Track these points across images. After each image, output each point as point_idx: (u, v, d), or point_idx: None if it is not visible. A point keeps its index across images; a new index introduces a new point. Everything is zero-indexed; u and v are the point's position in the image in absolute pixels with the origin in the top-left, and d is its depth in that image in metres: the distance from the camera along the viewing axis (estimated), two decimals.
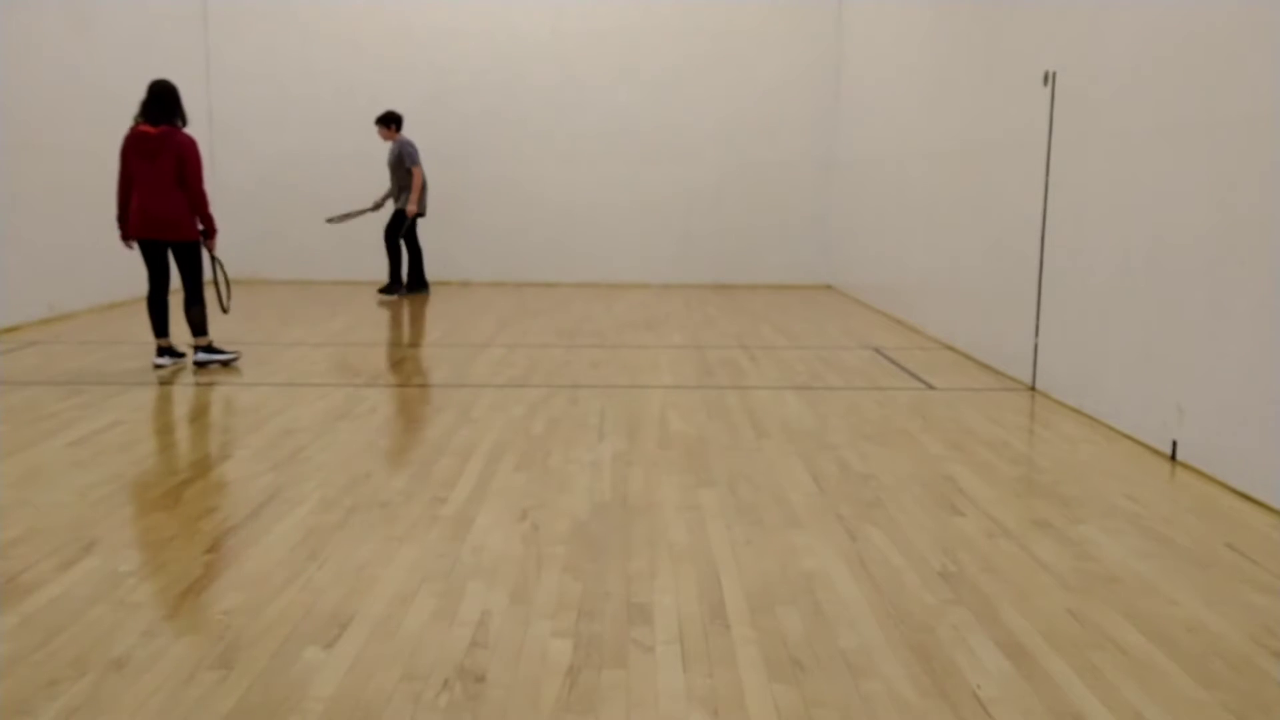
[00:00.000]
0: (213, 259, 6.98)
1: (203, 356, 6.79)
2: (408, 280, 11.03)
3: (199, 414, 5.63)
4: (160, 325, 6.81)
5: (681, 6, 12.08)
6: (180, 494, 4.18)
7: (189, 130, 6.75)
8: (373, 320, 9.39)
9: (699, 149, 12.24)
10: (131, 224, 6.65)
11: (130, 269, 6.91)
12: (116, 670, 2.68)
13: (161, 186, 6.54)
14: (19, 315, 8.44)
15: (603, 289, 11.90)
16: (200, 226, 6.74)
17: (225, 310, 7.16)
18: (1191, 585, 3.33)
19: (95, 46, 9.53)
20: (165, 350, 6.83)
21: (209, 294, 6.89)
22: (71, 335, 8.10)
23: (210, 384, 6.35)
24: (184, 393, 6.16)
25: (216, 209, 11.76)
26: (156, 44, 10.63)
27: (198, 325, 6.80)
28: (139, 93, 6.65)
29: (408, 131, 11.08)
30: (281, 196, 12.14)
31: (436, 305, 10.38)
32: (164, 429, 5.45)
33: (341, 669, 2.70)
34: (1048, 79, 6.06)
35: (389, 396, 6.08)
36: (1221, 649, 2.87)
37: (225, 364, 6.82)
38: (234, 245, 12.08)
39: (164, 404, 5.97)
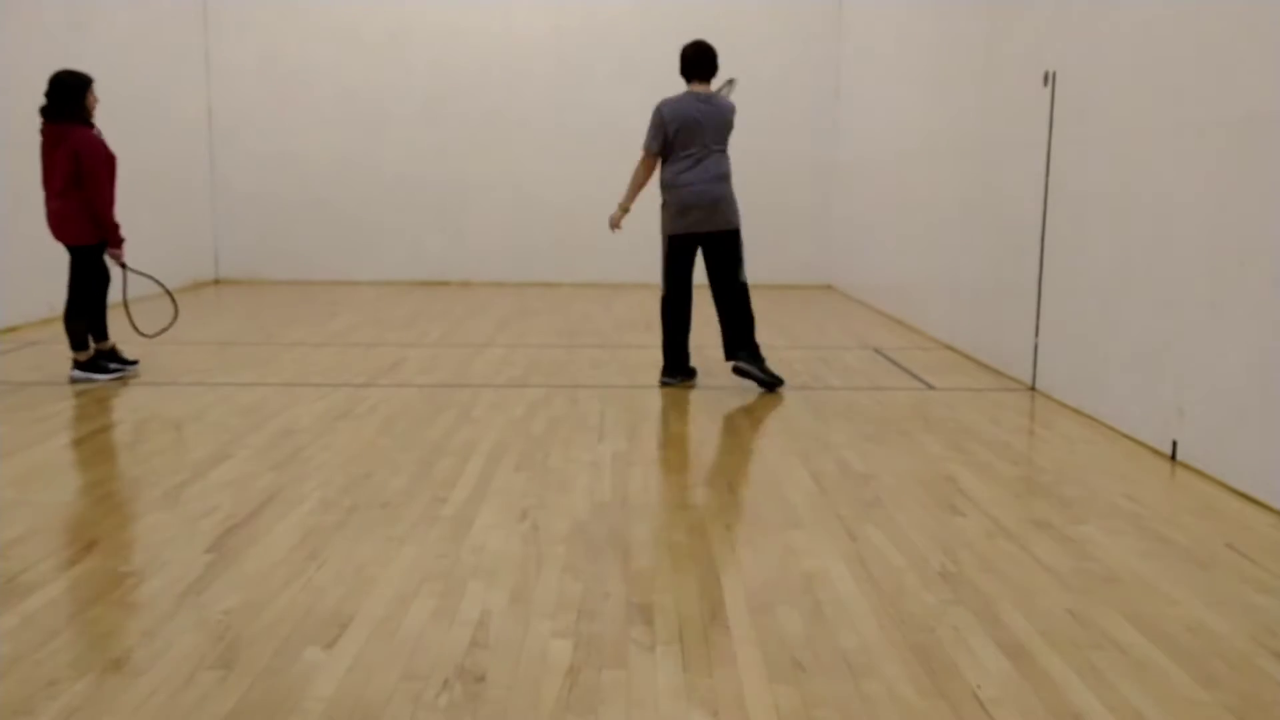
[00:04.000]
0: (124, 269, 6.51)
1: (78, 374, 6.33)
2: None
3: (199, 414, 5.62)
4: (96, 330, 6.46)
5: (682, 6, 12.07)
6: (180, 494, 4.18)
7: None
8: (374, 321, 9.39)
9: None
10: None
11: None
12: (116, 670, 2.68)
13: (53, 186, 6.29)
14: (19, 315, 8.44)
15: (603, 289, 11.89)
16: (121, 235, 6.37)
17: (140, 333, 6.73)
18: (1191, 585, 3.33)
19: (95, 46, 9.52)
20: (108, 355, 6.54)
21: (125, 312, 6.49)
22: None
23: (210, 384, 6.35)
24: (184, 393, 6.16)
25: (216, 209, 11.58)
26: (156, 44, 10.63)
27: (73, 338, 6.35)
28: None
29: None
30: (281, 196, 12.15)
31: (437, 305, 10.36)
32: (164, 428, 5.44)
33: (341, 669, 2.70)
34: (1048, 79, 6.06)
35: (389, 396, 6.08)
36: (1221, 649, 2.87)
37: (109, 379, 6.38)
38: (234, 245, 12.20)
39: (164, 404, 5.96)
